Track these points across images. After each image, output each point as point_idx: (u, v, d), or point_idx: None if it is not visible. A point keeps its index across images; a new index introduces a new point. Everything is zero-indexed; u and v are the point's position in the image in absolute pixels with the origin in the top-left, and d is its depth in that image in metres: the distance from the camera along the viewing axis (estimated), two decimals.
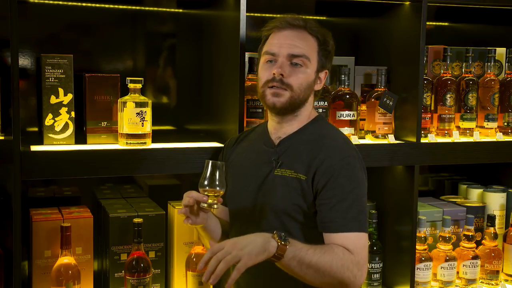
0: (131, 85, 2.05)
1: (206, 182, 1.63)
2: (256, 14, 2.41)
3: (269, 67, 1.72)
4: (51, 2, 2.28)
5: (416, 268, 2.35)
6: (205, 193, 1.63)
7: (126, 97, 2.05)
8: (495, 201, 2.63)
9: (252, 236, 1.53)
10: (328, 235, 1.63)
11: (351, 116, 2.27)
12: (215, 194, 1.63)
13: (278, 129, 1.78)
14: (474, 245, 2.46)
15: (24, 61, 2.25)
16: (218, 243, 1.52)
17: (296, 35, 1.71)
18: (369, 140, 2.36)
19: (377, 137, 2.34)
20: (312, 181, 1.65)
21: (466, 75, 2.51)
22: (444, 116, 2.47)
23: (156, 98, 2.44)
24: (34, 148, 1.95)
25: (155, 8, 2.45)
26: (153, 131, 2.10)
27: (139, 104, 2.03)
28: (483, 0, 2.43)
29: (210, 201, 1.62)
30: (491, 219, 2.48)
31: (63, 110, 2.03)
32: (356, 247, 1.60)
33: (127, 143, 2.03)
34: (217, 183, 1.62)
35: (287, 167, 1.71)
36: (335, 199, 1.62)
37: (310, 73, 1.72)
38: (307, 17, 2.63)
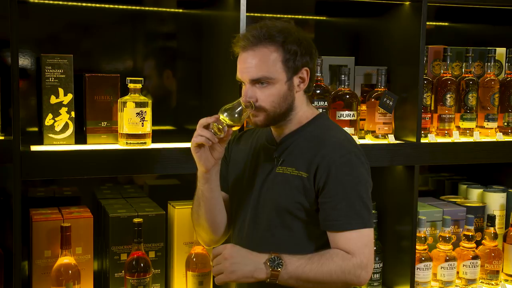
0: (131, 85, 2.05)
1: (228, 109, 1.65)
2: (256, 14, 2.41)
3: (243, 90, 1.71)
4: (51, 2, 2.28)
5: (416, 268, 2.35)
6: (220, 116, 1.65)
7: (126, 97, 2.05)
8: (495, 201, 2.63)
9: (248, 258, 1.59)
10: (331, 234, 1.64)
11: (351, 116, 2.27)
12: (228, 124, 1.65)
13: (278, 130, 1.78)
14: (474, 245, 2.46)
15: (24, 61, 2.25)
16: (222, 245, 1.61)
17: (252, 56, 1.65)
18: (369, 140, 2.36)
19: (377, 137, 2.34)
20: (314, 179, 1.65)
21: (466, 75, 2.51)
22: (444, 116, 2.47)
23: (156, 98, 2.43)
24: (34, 148, 1.95)
25: (155, 8, 2.45)
26: (153, 131, 2.10)
27: (139, 104, 2.04)
28: (483, 0, 2.43)
29: (220, 126, 1.64)
30: (491, 219, 2.48)
31: (63, 110, 2.03)
32: (358, 247, 1.61)
33: (127, 143, 2.03)
34: (236, 115, 1.64)
35: (288, 165, 1.71)
36: (337, 198, 1.62)
37: (280, 87, 1.67)
38: (306, 17, 2.67)
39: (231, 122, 1.65)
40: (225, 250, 1.58)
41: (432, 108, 2.47)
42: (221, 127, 1.64)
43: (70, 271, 1.94)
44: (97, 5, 2.33)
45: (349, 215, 1.61)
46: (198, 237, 1.90)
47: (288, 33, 1.67)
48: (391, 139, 2.31)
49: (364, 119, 2.42)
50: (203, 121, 1.65)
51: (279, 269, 1.55)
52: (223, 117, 1.64)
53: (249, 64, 1.66)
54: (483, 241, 2.53)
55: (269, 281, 1.56)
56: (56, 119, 2.02)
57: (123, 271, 2.05)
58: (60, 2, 2.28)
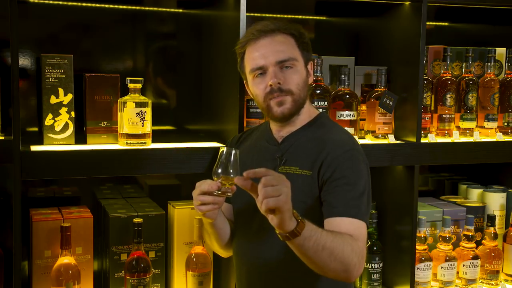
0: (131, 85, 2.05)
1: (220, 170, 1.59)
2: (256, 14, 2.41)
3: (262, 80, 1.71)
4: (51, 2, 2.28)
5: (416, 268, 2.35)
6: (219, 180, 1.59)
7: (126, 97, 2.05)
8: (495, 201, 2.63)
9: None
10: (332, 219, 1.61)
11: (351, 116, 2.27)
12: (229, 182, 1.60)
13: (280, 129, 1.78)
14: (474, 245, 2.46)
15: (24, 61, 2.25)
16: (276, 173, 1.44)
17: (274, 40, 1.70)
18: (369, 140, 2.36)
19: (377, 137, 2.34)
20: (318, 174, 1.66)
21: (466, 75, 2.51)
22: (444, 116, 2.47)
23: (156, 98, 2.44)
24: (34, 148, 1.95)
25: (155, 8, 2.45)
26: (153, 131, 2.10)
27: (139, 104, 2.03)
28: (483, 0, 2.43)
29: (222, 191, 1.59)
30: (491, 219, 2.48)
31: (63, 110, 2.03)
32: (361, 233, 1.60)
33: (127, 143, 2.03)
34: (230, 170, 1.59)
35: (291, 164, 1.71)
36: (339, 188, 1.63)
37: (302, 71, 1.72)
38: (306, 17, 2.67)
39: (231, 179, 1.58)
40: (285, 179, 1.43)
41: (432, 108, 2.47)
42: (222, 191, 1.59)
43: (70, 271, 1.94)
44: (97, 5, 2.33)
45: (350, 204, 1.61)
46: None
47: (298, 27, 1.76)
48: (391, 139, 2.31)
49: (364, 119, 2.42)
50: (204, 187, 1.59)
51: (304, 222, 1.45)
52: (221, 179, 1.58)
53: (272, 47, 1.69)
54: (483, 241, 2.53)
55: (294, 231, 1.43)
56: (56, 119, 2.02)
57: (123, 271, 2.05)
58: (60, 2, 2.28)
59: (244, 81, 1.83)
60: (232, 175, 1.59)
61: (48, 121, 2.01)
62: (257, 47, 1.70)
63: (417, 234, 2.34)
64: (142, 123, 2.03)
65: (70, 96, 2.03)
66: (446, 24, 2.93)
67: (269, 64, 1.68)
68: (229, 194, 1.60)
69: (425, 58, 2.39)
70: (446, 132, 2.47)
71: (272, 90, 1.68)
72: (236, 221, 1.85)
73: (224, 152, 1.60)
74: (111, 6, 2.35)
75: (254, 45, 1.71)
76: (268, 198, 1.39)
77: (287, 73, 1.69)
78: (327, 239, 1.49)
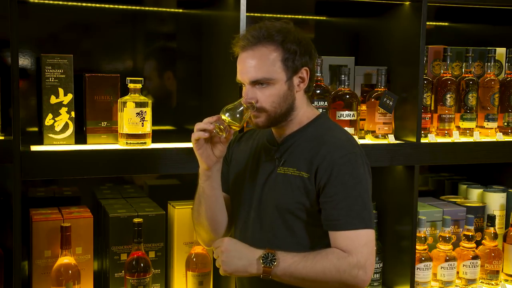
0: (131, 85, 2.05)
1: (228, 107, 1.65)
2: (256, 14, 2.41)
3: (244, 92, 1.72)
4: (51, 2, 2.28)
5: (416, 268, 2.35)
6: (223, 117, 1.65)
7: (126, 97, 2.05)
8: (495, 201, 2.63)
9: (242, 252, 1.63)
10: (331, 233, 1.64)
11: (351, 116, 2.27)
12: (226, 124, 1.65)
13: (279, 130, 1.78)
14: (474, 245, 2.46)
15: (24, 61, 2.25)
16: (221, 239, 1.68)
17: (252, 56, 1.66)
18: (369, 140, 2.36)
19: (377, 137, 2.34)
20: (314, 179, 1.66)
21: (466, 75, 2.51)
22: (444, 116, 2.47)
23: (156, 98, 2.44)
24: (34, 148, 1.95)
25: (155, 8, 2.45)
26: (153, 131, 2.10)
27: (139, 104, 2.04)
28: (483, 0, 2.43)
29: (222, 127, 1.65)
30: (491, 219, 2.48)
31: (63, 110, 2.03)
32: (356, 246, 1.60)
33: (127, 143, 2.03)
34: (237, 115, 1.64)
35: (289, 165, 1.71)
36: (337, 197, 1.62)
37: (280, 87, 1.67)
38: (306, 17, 2.67)
39: (232, 122, 1.65)
40: (222, 244, 1.63)
41: (432, 108, 2.47)
42: (222, 127, 1.64)
43: (70, 271, 1.94)
44: (97, 5, 2.33)
45: (349, 214, 1.61)
46: (198, 237, 1.90)
47: (287, 33, 1.67)
48: (391, 139, 2.31)
49: (364, 119, 2.42)
50: (205, 120, 1.66)
51: (271, 266, 1.57)
52: (225, 117, 1.64)
53: (249, 64, 1.66)
54: (483, 241, 2.53)
55: (262, 277, 1.58)
56: (56, 119, 2.02)
57: (123, 271, 2.05)
58: (60, 2, 2.28)
59: None
60: (234, 121, 1.64)
61: (48, 121, 2.02)
62: (240, 59, 1.69)
63: (417, 234, 2.34)
64: (142, 123, 2.04)
65: (70, 96, 2.03)
66: (446, 24, 2.93)
67: (244, 82, 1.69)
68: (222, 133, 1.65)
69: (425, 58, 2.39)
70: (446, 132, 2.47)
71: (247, 106, 1.69)
72: (235, 220, 1.85)
73: (241, 102, 1.66)
74: (111, 6, 2.35)
75: (239, 56, 1.70)
76: (219, 268, 1.63)
77: (261, 91, 1.66)
78: (303, 270, 1.58)
